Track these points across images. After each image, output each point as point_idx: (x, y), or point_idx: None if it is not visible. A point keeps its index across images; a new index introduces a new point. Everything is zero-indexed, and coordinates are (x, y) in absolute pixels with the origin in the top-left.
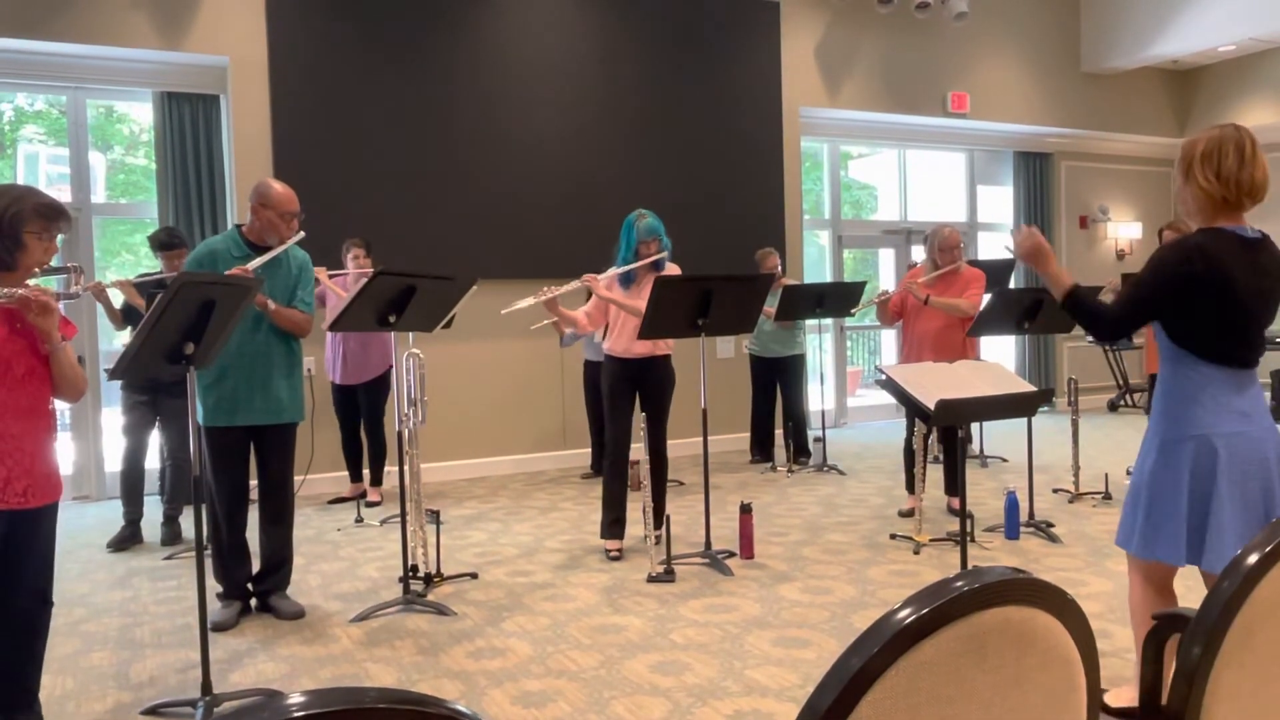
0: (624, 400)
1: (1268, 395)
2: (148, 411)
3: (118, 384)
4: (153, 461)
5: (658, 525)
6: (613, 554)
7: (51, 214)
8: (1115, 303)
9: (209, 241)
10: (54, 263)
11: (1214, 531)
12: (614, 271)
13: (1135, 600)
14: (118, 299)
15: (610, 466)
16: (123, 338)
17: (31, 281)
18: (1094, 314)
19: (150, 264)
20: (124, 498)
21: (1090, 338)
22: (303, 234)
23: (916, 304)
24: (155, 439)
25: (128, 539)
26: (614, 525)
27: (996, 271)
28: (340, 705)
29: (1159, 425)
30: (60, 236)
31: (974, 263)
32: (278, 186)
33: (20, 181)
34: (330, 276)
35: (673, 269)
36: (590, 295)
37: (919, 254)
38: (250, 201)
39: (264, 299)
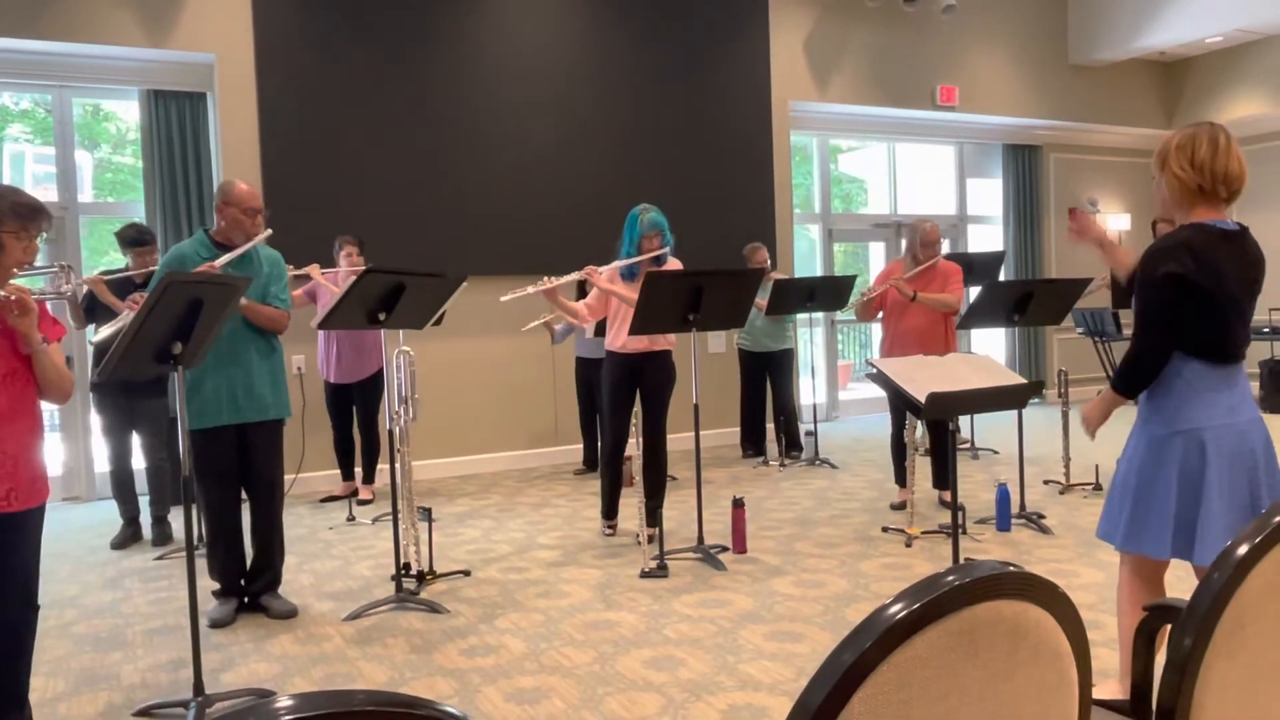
0: (624, 397)
1: (1256, 387)
2: (123, 411)
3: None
4: (139, 461)
5: (651, 524)
6: (609, 531)
7: (29, 213)
8: (1132, 344)
9: (177, 246)
10: (39, 262)
11: (1204, 526)
12: (616, 265)
13: (1124, 594)
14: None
15: (607, 460)
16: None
17: (15, 282)
18: (1126, 369)
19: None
20: (117, 498)
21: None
22: (269, 231)
23: (899, 300)
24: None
25: (129, 537)
26: (611, 511)
27: (986, 264)
28: (329, 708)
29: (1147, 421)
30: (42, 235)
31: (965, 255)
32: (240, 184)
33: (6, 181)
34: (323, 273)
35: (674, 264)
36: (581, 290)
37: None
38: (215, 202)
39: None
